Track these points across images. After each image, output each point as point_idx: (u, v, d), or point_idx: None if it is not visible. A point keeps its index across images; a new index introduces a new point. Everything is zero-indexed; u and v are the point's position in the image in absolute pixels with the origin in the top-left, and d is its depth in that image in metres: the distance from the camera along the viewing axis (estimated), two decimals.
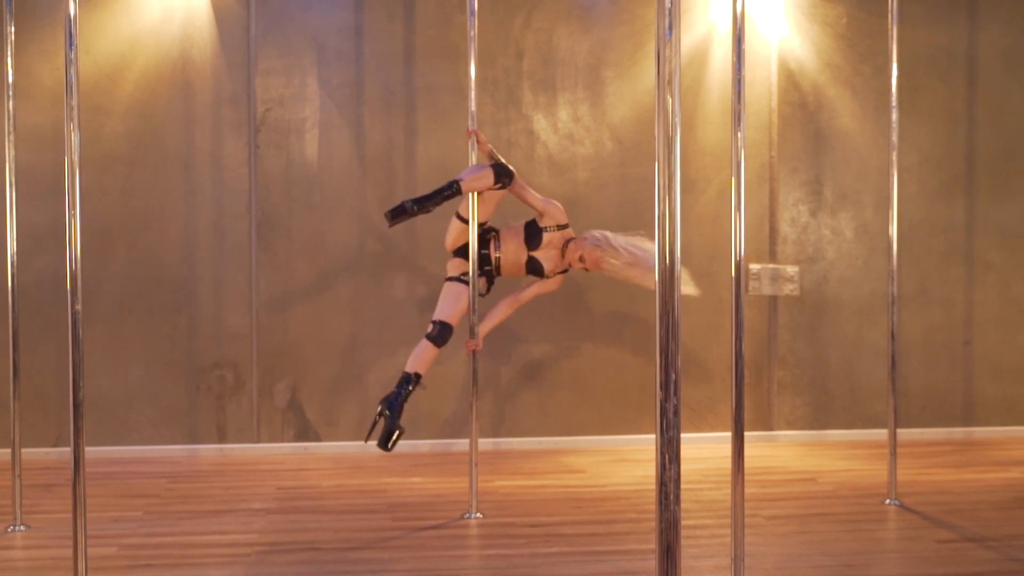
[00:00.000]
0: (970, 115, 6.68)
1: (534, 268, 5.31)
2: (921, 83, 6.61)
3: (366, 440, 5.20)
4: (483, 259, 5.23)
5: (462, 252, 5.22)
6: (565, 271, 5.39)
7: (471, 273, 4.99)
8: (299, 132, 6.28)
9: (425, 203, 4.98)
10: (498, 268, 5.32)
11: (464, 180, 4.97)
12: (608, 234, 5.28)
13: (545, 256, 5.29)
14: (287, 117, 6.27)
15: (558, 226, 5.29)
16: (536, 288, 5.38)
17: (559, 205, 5.34)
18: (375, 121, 6.32)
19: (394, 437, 4.90)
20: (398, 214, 4.98)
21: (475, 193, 4.96)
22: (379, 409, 4.96)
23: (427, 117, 6.32)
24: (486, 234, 5.27)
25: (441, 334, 5.11)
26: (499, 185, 4.99)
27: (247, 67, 6.24)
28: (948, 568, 4.21)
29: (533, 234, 5.28)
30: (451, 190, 4.97)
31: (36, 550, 4.48)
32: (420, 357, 5.07)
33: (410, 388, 5.01)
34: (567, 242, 5.31)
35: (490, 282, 5.34)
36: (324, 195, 6.29)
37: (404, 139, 6.33)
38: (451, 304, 5.18)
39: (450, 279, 5.28)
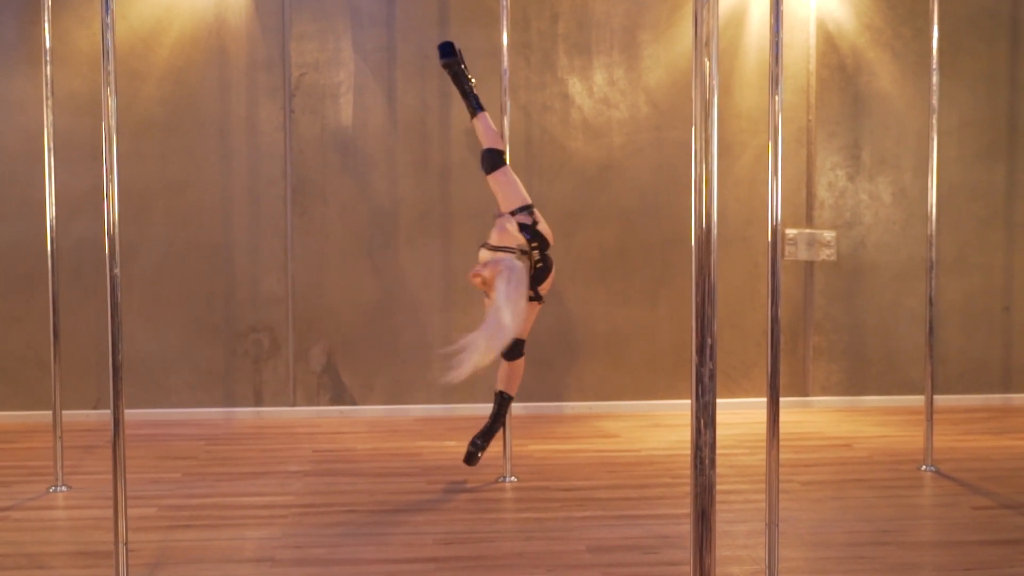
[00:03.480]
0: (1012, 78, 6.57)
1: None
2: (962, 45, 6.51)
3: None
4: (533, 233, 4.75)
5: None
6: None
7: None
8: (334, 96, 6.28)
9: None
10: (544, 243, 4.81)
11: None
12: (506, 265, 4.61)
13: None
14: (322, 82, 6.27)
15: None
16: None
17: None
18: (409, 85, 6.31)
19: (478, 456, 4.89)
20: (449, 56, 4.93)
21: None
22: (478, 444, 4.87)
23: None
24: (527, 208, 4.83)
25: (513, 349, 4.80)
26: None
27: (282, 32, 6.24)
28: (984, 535, 4.19)
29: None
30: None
31: (77, 510, 4.56)
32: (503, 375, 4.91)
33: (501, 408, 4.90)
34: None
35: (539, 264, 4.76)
36: (359, 159, 6.30)
37: (438, 103, 6.32)
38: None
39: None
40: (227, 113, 6.25)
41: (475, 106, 4.96)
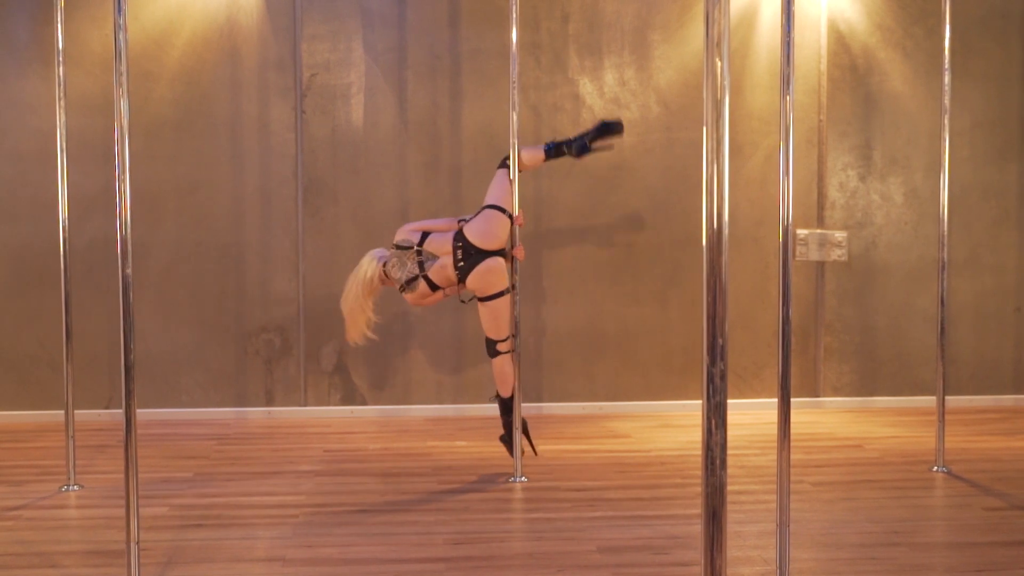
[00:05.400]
0: None
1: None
2: (974, 45, 6.49)
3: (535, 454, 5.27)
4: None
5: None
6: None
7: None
8: (345, 97, 6.30)
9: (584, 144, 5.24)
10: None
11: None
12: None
13: None
14: (333, 82, 6.28)
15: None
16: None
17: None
18: (419, 86, 6.31)
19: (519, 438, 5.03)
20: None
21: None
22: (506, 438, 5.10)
23: (471, 81, 6.31)
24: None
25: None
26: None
27: (293, 32, 6.26)
28: (996, 536, 4.18)
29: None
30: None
31: (89, 509, 4.57)
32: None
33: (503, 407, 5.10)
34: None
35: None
36: (370, 160, 6.31)
37: (449, 104, 6.32)
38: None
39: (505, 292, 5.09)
40: (238, 114, 6.26)
41: (554, 151, 5.24)
